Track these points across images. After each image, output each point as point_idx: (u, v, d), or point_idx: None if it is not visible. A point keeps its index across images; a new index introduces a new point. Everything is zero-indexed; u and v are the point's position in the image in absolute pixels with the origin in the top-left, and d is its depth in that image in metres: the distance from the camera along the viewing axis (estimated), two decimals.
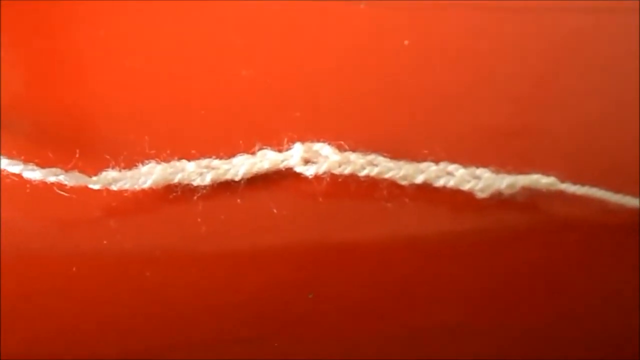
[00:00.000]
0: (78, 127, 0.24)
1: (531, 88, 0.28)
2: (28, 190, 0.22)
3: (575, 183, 0.25)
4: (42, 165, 0.22)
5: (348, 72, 0.27)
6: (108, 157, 0.23)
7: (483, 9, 0.29)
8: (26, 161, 0.22)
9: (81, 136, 0.24)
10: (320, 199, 0.24)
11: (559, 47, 0.28)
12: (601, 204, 0.25)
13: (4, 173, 0.22)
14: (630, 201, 0.25)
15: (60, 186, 0.22)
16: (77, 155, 0.22)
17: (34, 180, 0.22)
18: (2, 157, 0.21)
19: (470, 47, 0.28)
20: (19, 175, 0.22)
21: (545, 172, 0.25)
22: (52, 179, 0.21)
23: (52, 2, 0.26)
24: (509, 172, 0.25)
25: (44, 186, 0.22)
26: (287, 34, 0.28)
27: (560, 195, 0.25)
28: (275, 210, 0.23)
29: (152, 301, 0.23)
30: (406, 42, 0.27)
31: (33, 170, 0.21)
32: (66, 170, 0.22)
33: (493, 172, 0.25)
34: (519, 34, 0.28)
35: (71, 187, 0.22)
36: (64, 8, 0.26)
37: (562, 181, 0.25)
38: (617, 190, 0.25)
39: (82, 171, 0.22)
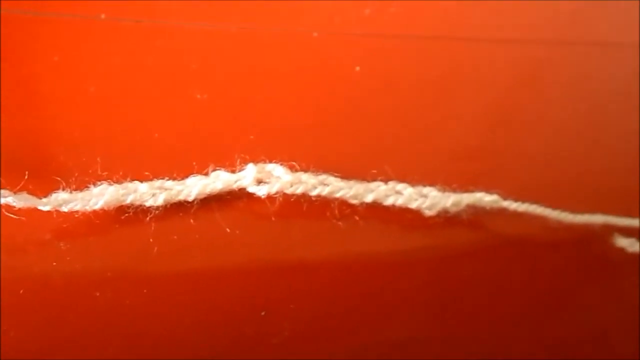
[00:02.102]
0: (29, 149, 0.24)
1: (480, 112, 0.29)
2: None
3: (517, 201, 0.26)
4: None
5: (300, 96, 0.28)
6: (59, 179, 0.23)
7: (433, 39, 0.30)
8: None
9: (32, 158, 0.23)
10: (273, 219, 0.24)
11: (508, 76, 0.30)
12: (543, 221, 0.26)
13: None
14: (568, 217, 0.27)
15: (9, 208, 0.22)
16: (26, 177, 0.22)
17: None
18: None
19: (419, 73, 0.30)
20: None
21: (491, 192, 0.26)
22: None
23: (5, 27, 0.26)
24: (455, 191, 0.26)
25: None
26: (241, 60, 0.28)
27: (504, 212, 0.26)
28: (228, 230, 0.24)
29: (102, 322, 0.22)
30: (357, 69, 0.28)
31: None
32: (15, 192, 0.22)
33: (439, 190, 0.26)
34: (469, 63, 0.30)
35: (20, 209, 0.22)
36: (17, 32, 0.26)
37: (505, 199, 0.26)
38: (568, 209, 0.26)
39: (31, 193, 0.22)
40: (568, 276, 0.27)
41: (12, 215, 0.22)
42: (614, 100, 0.30)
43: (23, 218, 0.22)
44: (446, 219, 0.26)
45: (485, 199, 0.26)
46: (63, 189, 0.22)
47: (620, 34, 0.32)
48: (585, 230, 0.27)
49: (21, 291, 0.22)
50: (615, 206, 0.27)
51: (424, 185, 0.26)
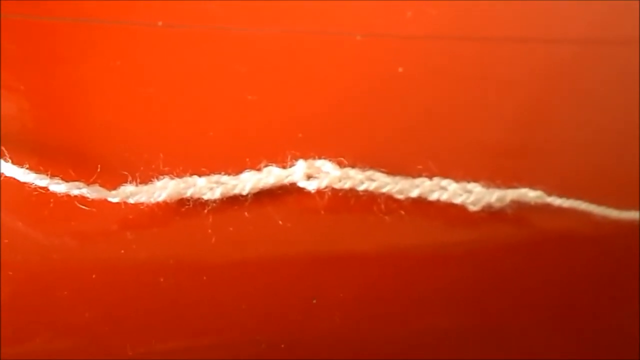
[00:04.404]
0: (98, 147, 0.25)
1: (520, 111, 0.30)
2: (51, 205, 0.24)
3: (561, 196, 0.27)
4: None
5: (346, 96, 0.29)
6: (126, 173, 0.24)
7: (473, 40, 0.31)
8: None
9: (101, 155, 0.25)
10: (322, 212, 0.25)
11: (547, 74, 0.31)
12: (586, 216, 0.27)
13: (31, 187, 0.23)
14: (612, 213, 0.27)
15: (82, 200, 0.24)
16: (99, 171, 0.24)
17: (59, 194, 0.23)
18: (30, 171, 0.23)
19: (461, 73, 0.30)
20: (45, 189, 0.23)
21: (534, 187, 0.26)
22: (75, 192, 0.23)
23: (74, 33, 0.29)
24: (499, 187, 0.26)
25: (67, 200, 0.23)
26: (289, 63, 0.29)
27: (548, 208, 0.27)
28: (280, 223, 0.25)
29: (166, 306, 0.24)
30: (400, 70, 0.29)
31: (58, 184, 0.23)
32: (88, 185, 0.23)
33: (483, 186, 0.26)
34: (509, 63, 0.31)
35: (91, 201, 0.24)
36: (86, 39, 0.28)
37: (549, 195, 0.27)
38: (602, 203, 0.27)
39: (102, 186, 0.24)
40: (612, 272, 0.27)
41: (84, 207, 0.24)
42: None
43: (94, 209, 0.24)
44: (490, 214, 0.26)
45: (530, 194, 0.26)
46: (130, 183, 0.24)
47: None
48: (629, 227, 0.27)
49: (93, 276, 0.23)
50: None
51: (468, 181, 0.26)
